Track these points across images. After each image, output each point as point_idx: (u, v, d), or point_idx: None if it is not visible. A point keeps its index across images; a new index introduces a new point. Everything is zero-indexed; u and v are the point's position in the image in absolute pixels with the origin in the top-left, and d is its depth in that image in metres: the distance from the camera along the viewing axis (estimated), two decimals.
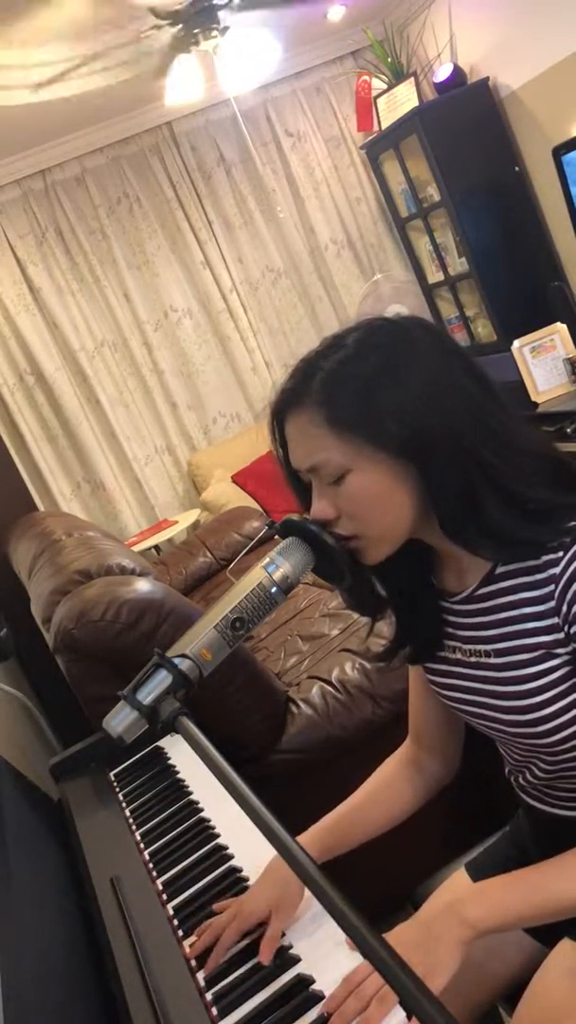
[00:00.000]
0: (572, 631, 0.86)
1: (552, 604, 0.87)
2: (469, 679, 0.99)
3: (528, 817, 1.11)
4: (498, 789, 1.15)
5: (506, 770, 1.11)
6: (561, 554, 0.85)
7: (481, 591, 0.94)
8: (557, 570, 0.85)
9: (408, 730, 1.20)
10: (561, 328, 3.04)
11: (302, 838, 1.10)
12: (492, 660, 0.94)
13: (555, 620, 0.87)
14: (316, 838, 1.10)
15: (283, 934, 0.98)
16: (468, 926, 0.87)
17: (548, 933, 1.02)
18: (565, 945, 0.98)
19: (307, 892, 0.98)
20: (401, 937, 0.90)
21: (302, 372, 0.90)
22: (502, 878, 0.93)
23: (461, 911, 0.88)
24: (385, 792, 1.16)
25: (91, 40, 3.08)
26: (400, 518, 0.88)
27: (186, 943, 1.00)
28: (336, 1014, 0.83)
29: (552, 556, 0.86)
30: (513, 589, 0.90)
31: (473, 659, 0.97)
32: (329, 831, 1.11)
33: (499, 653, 0.93)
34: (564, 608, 0.86)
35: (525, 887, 0.90)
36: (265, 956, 0.95)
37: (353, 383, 0.86)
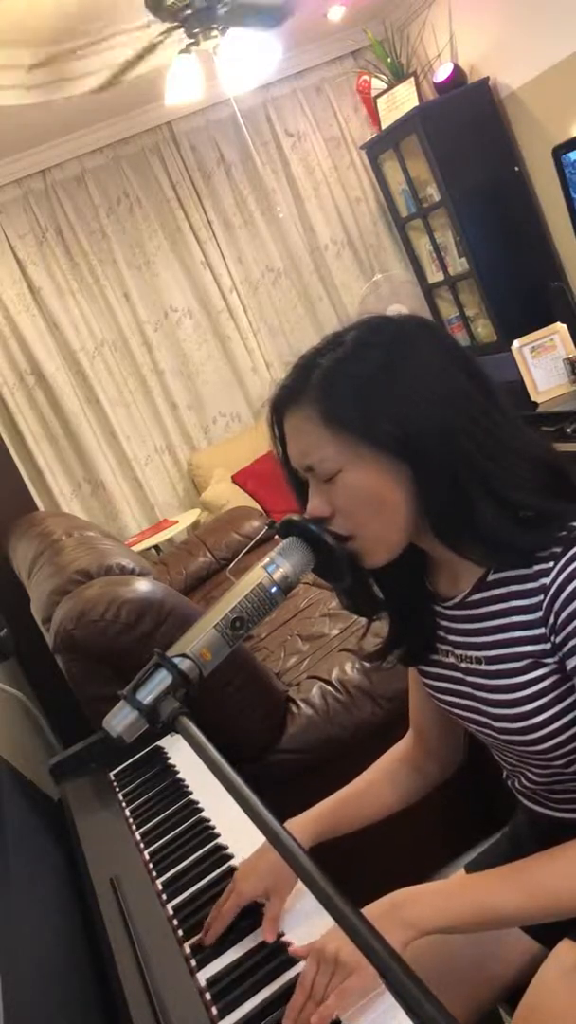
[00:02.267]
0: (558, 640, 0.86)
1: (540, 614, 0.87)
2: (461, 684, 0.99)
3: (527, 818, 1.11)
4: (498, 789, 1.15)
5: (503, 774, 1.10)
6: (552, 564, 0.85)
7: (473, 597, 0.93)
8: (548, 580, 0.85)
9: (408, 726, 1.20)
10: (561, 328, 3.04)
11: (297, 819, 1.11)
12: (483, 667, 0.94)
13: (543, 630, 0.87)
14: (309, 823, 1.10)
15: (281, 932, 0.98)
16: (409, 926, 0.86)
17: (548, 933, 1.02)
18: (565, 946, 0.98)
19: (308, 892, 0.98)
20: (341, 935, 0.90)
21: (300, 369, 0.90)
22: (445, 882, 0.94)
23: (399, 913, 0.87)
24: (381, 785, 1.16)
25: (91, 40, 3.07)
26: (395, 519, 0.88)
27: (186, 944, 1.00)
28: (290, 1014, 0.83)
29: (543, 566, 0.85)
30: (504, 597, 0.90)
31: (465, 664, 0.97)
32: (321, 819, 1.11)
33: (490, 660, 0.93)
34: (552, 619, 0.86)
35: (463, 897, 0.89)
36: (268, 934, 0.96)
37: (350, 381, 0.86)
